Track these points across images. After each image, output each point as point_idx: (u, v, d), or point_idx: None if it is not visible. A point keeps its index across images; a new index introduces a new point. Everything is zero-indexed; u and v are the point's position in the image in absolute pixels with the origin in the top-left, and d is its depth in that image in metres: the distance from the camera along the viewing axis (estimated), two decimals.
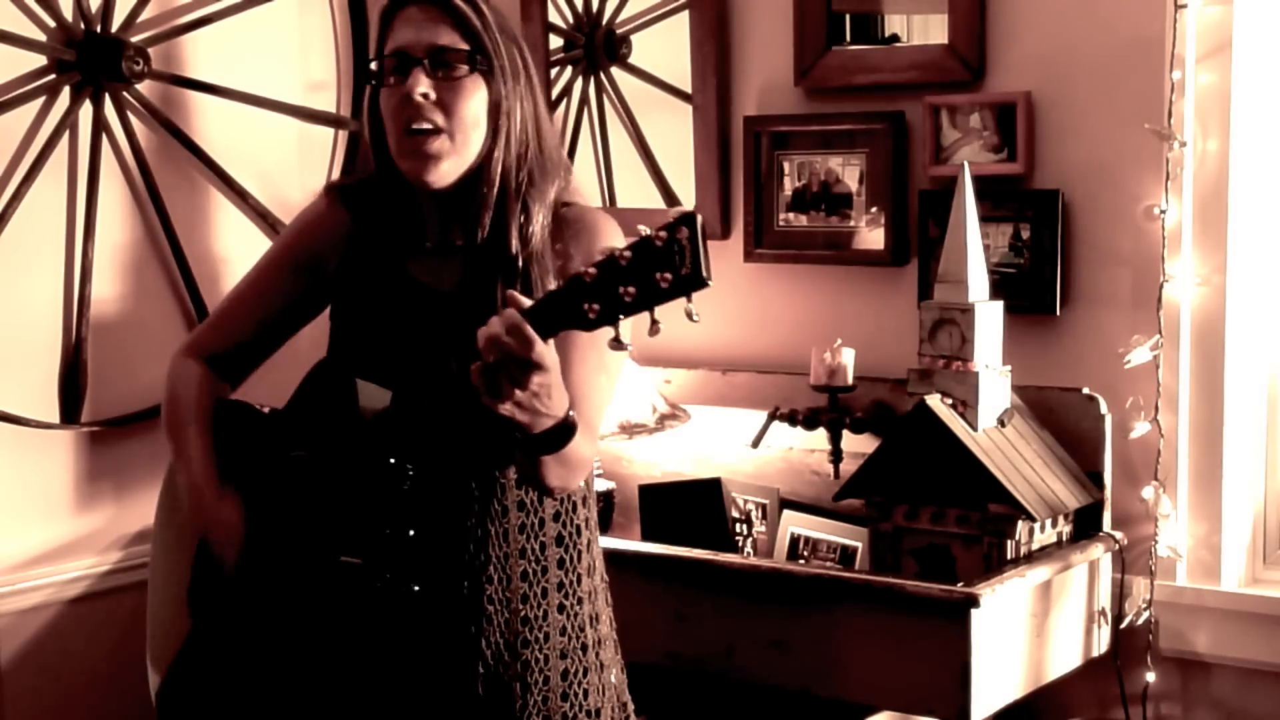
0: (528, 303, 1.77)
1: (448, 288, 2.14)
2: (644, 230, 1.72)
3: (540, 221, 2.10)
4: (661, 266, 1.70)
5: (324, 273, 2.24)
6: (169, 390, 2.32)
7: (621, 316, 1.74)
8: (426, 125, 2.06)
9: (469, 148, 2.09)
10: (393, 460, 2.00)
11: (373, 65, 2.12)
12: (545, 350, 1.76)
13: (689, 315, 1.75)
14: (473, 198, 2.11)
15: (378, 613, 2.07)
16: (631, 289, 1.72)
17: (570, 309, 1.75)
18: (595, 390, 2.04)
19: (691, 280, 1.70)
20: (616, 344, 1.77)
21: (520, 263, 2.09)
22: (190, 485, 2.23)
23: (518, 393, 1.79)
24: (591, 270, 1.73)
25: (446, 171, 2.08)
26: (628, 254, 1.72)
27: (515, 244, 2.08)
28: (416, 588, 2.04)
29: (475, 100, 2.08)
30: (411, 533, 2.02)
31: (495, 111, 2.09)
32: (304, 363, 2.16)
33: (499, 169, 2.10)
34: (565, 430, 1.89)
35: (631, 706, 2.28)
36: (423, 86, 2.06)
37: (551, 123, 2.21)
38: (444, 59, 2.07)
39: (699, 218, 1.71)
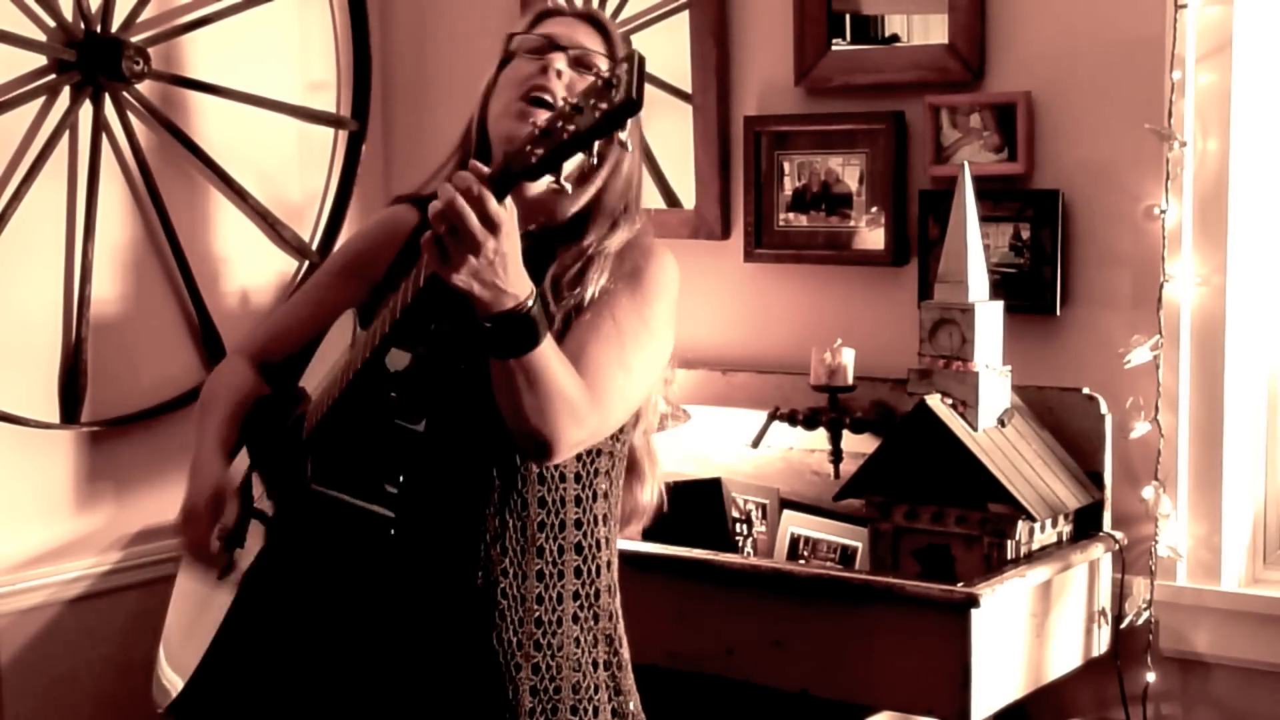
0: (486, 170, 1.78)
1: None
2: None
3: (598, 272, 2.09)
4: (601, 99, 1.72)
5: (377, 274, 2.22)
6: (213, 377, 2.31)
7: (565, 156, 1.74)
8: (548, 97, 2.08)
9: None
10: (399, 420, 1.99)
11: (512, 44, 2.16)
12: (500, 210, 1.77)
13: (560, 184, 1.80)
14: (554, 218, 2.12)
15: (389, 593, 2.06)
16: (571, 126, 1.73)
17: (519, 160, 1.75)
18: (607, 368, 2.02)
19: (625, 106, 1.71)
20: (558, 187, 1.79)
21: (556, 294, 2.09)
22: (196, 459, 2.18)
23: (471, 259, 1.78)
24: (541, 122, 1.76)
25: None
26: (574, 99, 1.74)
27: (566, 284, 2.09)
28: (393, 530, 1.99)
29: None
30: (401, 479, 1.99)
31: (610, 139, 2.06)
32: None
33: (594, 197, 2.11)
34: (526, 321, 1.86)
35: None
36: (561, 63, 2.11)
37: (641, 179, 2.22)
38: (587, 60, 2.13)
39: (643, 56, 1.73)
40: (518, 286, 1.84)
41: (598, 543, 2.16)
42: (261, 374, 2.28)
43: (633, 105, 1.71)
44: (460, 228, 1.76)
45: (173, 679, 2.22)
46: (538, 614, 2.10)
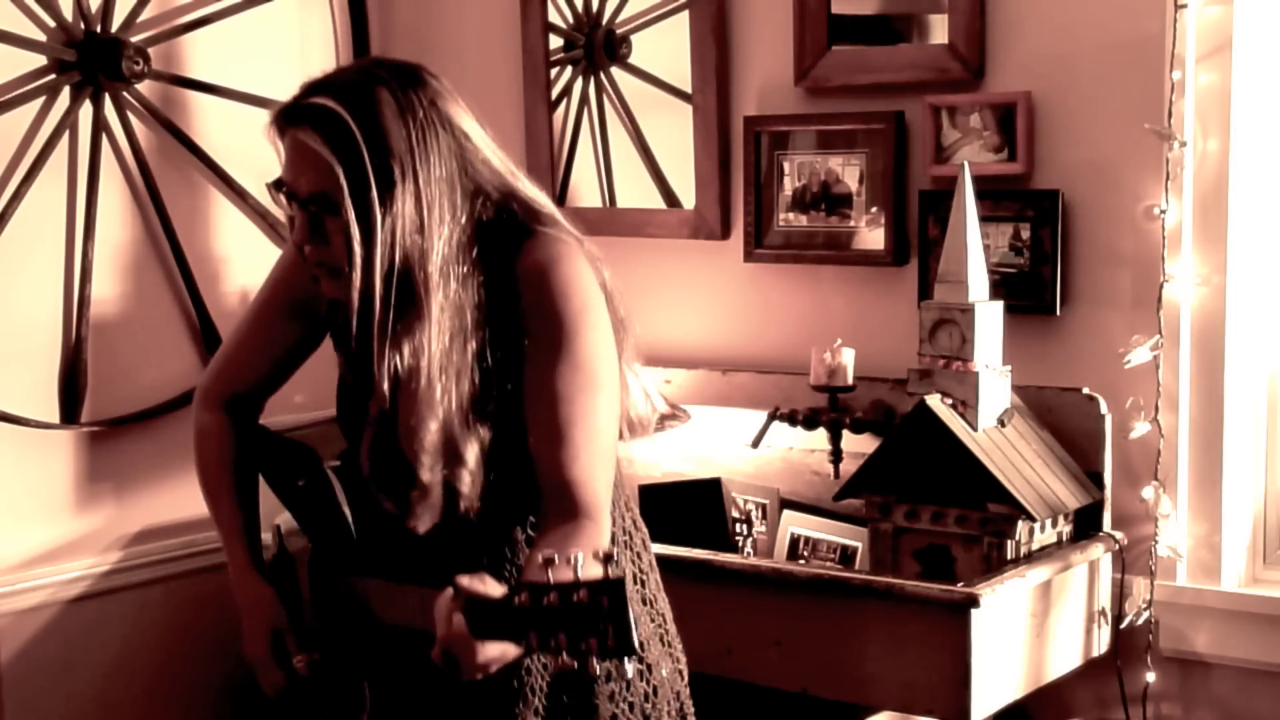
0: (477, 588, 1.72)
1: None
2: (565, 572, 1.67)
3: (421, 342, 2.00)
4: (587, 630, 1.66)
5: (316, 312, 2.23)
6: (197, 453, 2.38)
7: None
8: (315, 271, 2.08)
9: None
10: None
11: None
12: (489, 647, 1.74)
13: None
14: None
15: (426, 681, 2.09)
16: (563, 639, 1.68)
17: (510, 627, 1.71)
18: (589, 467, 1.99)
19: (620, 651, 1.67)
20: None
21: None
22: (229, 564, 2.33)
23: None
24: (523, 598, 1.69)
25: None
26: (554, 598, 1.67)
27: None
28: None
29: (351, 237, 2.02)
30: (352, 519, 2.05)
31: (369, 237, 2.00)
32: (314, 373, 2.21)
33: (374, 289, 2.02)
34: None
35: None
36: (300, 215, 2.04)
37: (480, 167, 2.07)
38: (318, 217, 2.03)
39: (626, 585, 1.66)
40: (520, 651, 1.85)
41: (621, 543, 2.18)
42: (231, 407, 2.35)
43: (629, 650, 1.66)
44: (464, 661, 1.77)
45: None
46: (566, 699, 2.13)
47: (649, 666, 2.18)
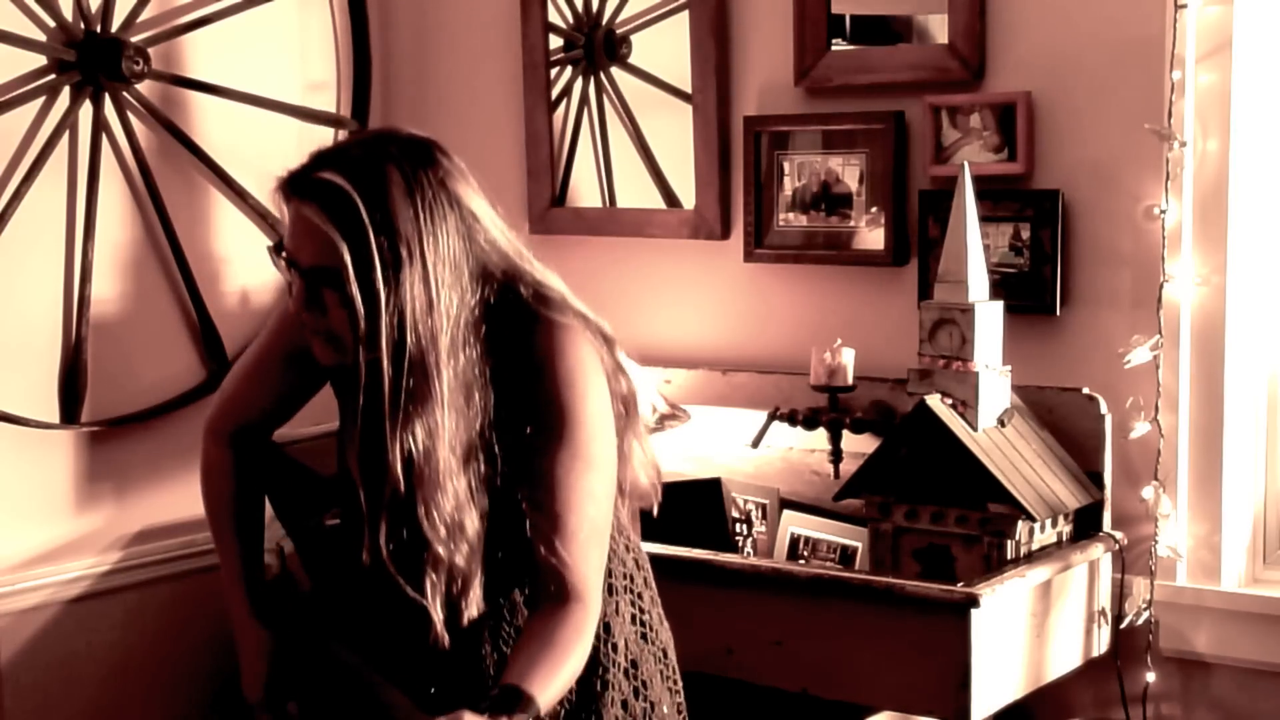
0: None
1: None
2: None
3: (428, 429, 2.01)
4: None
5: (316, 362, 2.22)
6: (203, 489, 2.40)
7: None
8: (313, 346, 2.09)
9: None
10: None
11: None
12: None
13: None
14: None
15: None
16: None
17: None
18: (581, 542, 2.04)
19: None
20: None
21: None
22: (229, 605, 2.37)
23: None
24: None
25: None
26: None
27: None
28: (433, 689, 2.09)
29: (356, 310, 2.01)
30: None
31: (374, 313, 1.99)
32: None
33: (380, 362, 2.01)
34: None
35: None
36: (298, 285, 2.04)
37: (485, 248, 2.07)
38: (318, 288, 2.02)
39: None
40: None
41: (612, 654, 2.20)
42: (239, 439, 2.36)
43: None
44: None
45: None
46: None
47: (651, 705, 2.21)
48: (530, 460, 2.05)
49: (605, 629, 2.16)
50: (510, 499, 2.07)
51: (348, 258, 1.96)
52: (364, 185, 1.97)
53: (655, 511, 2.29)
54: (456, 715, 1.84)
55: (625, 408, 2.13)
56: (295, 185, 2.02)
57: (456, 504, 2.02)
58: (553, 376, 2.05)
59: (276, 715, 2.31)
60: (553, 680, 1.96)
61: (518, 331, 2.06)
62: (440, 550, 2.01)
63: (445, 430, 2.00)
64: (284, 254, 2.05)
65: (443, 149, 2.07)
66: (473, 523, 2.04)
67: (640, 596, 2.26)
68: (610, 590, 2.18)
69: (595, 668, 2.13)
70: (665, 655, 2.28)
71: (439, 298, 1.99)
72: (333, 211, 1.97)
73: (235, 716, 3.28)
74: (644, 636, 2.24)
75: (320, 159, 2.04)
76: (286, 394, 2.32)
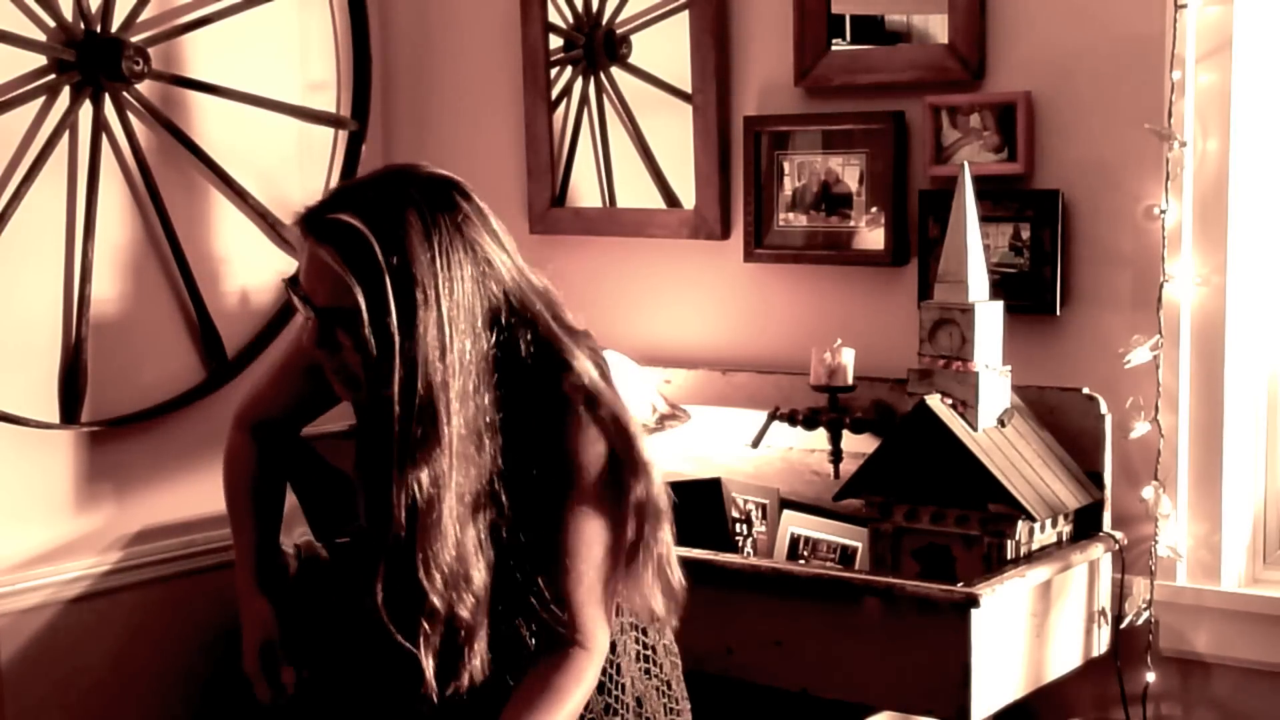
0: None
1: None
2: None
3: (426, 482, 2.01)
4: None
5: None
6: (224, 471, 2.42)
7: None
8: (333, 385, 2.10)
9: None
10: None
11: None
12: None
13: None
14: None
15: None
16: None
17: None
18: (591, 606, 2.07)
19: None
20: None
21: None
22: (237, 578, 2.39)
23: None
24: None
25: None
26: None
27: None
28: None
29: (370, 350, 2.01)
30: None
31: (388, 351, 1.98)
32: None
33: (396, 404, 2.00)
34: None
35: None
36: (312, 324, 2.04)
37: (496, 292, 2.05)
38: (332, 328, 2.02)
39: None
40: None
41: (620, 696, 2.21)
42: (260, 431, 2.40)
43: None
44: None
45: None
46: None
47: None
48: (537, 505, 2.05)
49: (616, 669, 2.17)
50: (515, 550, 2.06)
51: (363, 302, 1.95)
52: (382, 230, 1.96)
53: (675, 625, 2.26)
54: None
55: (635, 469, 2.10)
56: (313, 225, 2.01)
57: (461, 555, 2.00)
58: (569, 437, 2.05)
59: (274, 686, 2.33)
60: None
61: (532, 381, 2.05)
62: (436, 601, 1.99)
63: (453, 479, 1.99)
64: (298, 289, 2.04)
65: (463, 190, 2.04)
66: (480, 575, 2.02)
67: (662, 668, 2.27)
68: (620, 629, 2.18)
69: (604, 708, 2.15)
70: (670, 687, 2.28)
71: (452, 344, 1.97)
72: (349, 256, 1.96)
73: (234, 716, 3.29)
74: (666, 709, 2.26)
75: (339, 197, 2.03)
76: (308, 399, 2.34)
